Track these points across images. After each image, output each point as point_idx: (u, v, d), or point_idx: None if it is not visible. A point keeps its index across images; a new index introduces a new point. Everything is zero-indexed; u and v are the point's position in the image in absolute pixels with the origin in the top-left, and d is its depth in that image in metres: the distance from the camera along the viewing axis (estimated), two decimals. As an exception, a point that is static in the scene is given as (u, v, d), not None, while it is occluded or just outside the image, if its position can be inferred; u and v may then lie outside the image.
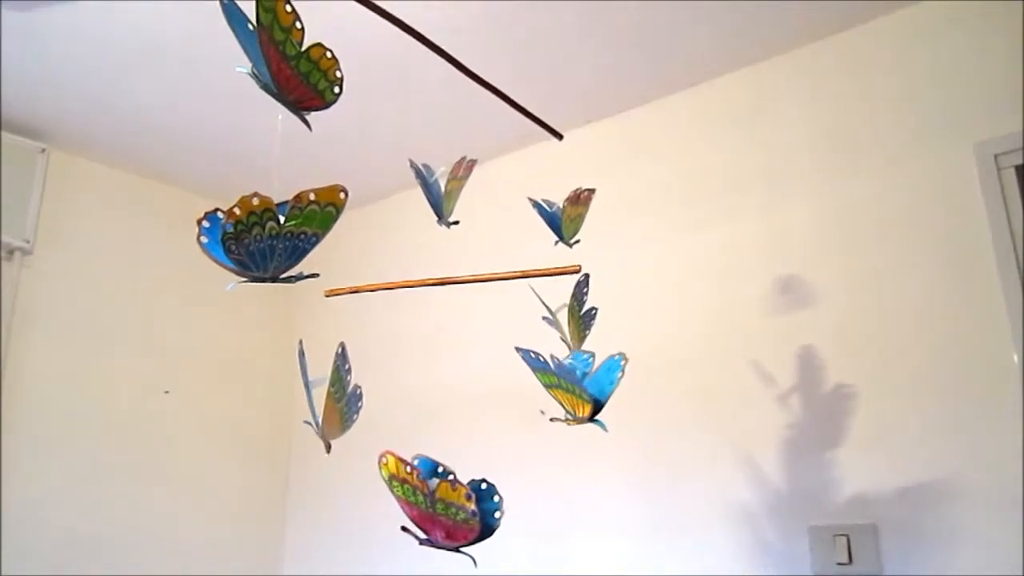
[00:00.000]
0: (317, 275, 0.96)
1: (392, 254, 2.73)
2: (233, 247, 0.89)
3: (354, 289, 1.24)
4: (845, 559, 1.69)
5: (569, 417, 1.23)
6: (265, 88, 0.95)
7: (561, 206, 1.45)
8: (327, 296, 1.24)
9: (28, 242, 2.27)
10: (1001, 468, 1.57)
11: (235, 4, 0.91)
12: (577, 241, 1.48)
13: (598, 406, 1.23)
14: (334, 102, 1.00)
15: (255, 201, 0.89)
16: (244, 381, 2.74)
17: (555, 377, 1.21)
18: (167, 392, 2.54)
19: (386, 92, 2.19)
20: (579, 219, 1.48)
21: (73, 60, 2.03)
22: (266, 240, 0.91)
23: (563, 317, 1.43)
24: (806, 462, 1.80)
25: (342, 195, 0.97)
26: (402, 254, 2.69)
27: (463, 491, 1.00)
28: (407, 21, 1.85)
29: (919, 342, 1.71)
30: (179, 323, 2.60)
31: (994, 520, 1.55)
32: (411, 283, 1.28)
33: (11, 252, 2.26)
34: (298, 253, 0.95)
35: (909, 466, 1.67)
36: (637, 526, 2.01)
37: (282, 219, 0.93)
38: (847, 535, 1.70)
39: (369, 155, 2.54)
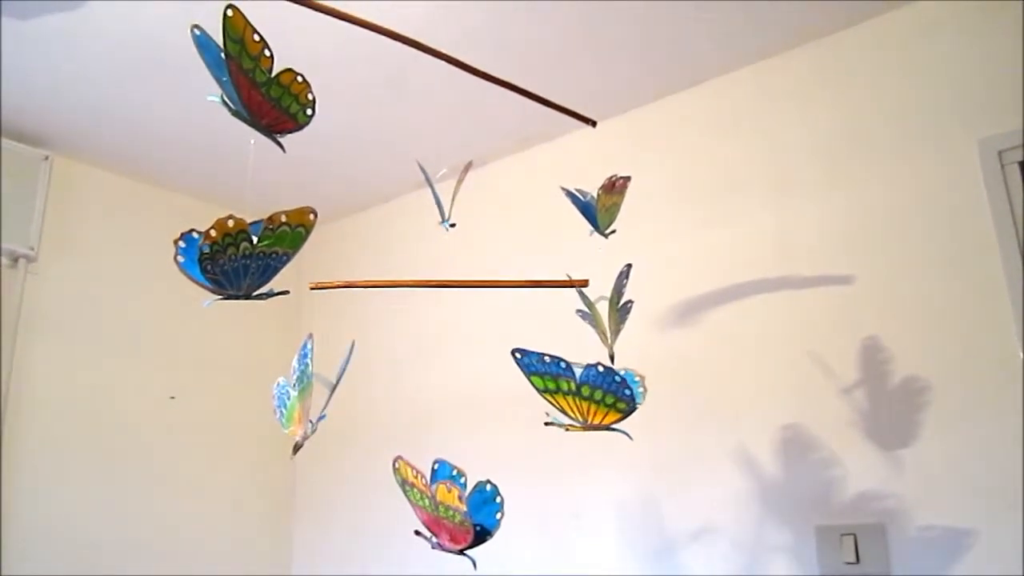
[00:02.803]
0: (287, 292, 1.01)
1: (397, 255, 2.73)
2: (209, 267, 0.93)
3: (342, 284, 1.25)
4: (852, 559, 1.68)
5: (575, 423, 1.22)
6: (236, 115, 0.98)
7: (595, 195, 1.41)
8: (312, 289, 1.24)
9: (32, 249, 2.27)
10: (1008, 466, 1.56)
11: (207, 35, 0.93)
12: (613, 231, 1.46)
13: (626, 414, 1.22)
14: (307, 123, 1.05)
15: (230, 223, 0.93)
16: (249, 385, 2.74)
17: (568, 382, 1.20)
18: (173, 398, 2.54)
19: (389, 93, 2.19)
20: (615, 208, 1.45)
21: (76, 67, 2.03)
22: (240, 260, 0.95)
23: (601, 311, 1.39)
24: (812, 462, 1.79)
25: (311, 216, 1.01)
26: (408, 256, 2.69)
27: (456, 493, 1.01)
28: (412, 24, 1.86)
29: (924, 340, 1.70)
30: (184, 328, 2.60)
31: (1002, 519, 1.55)
32: (399, 283, 1.28)
33: (15, 259, 2.26)
34: (269, 271, 0.99)
35: (916, 465, 1.66)
36: (643, 525, 2.00)
37: (255, 239, 0.95)
38: (854, 535, 1.69)
39: (373, 158, 2.54)
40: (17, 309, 2.25)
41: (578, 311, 1.39)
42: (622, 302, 1.41)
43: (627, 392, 1.19)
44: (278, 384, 1.21)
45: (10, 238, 2.22)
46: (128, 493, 2.40)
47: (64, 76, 2.07)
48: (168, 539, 2.45)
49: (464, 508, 1.02)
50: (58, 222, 2.37)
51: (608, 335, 1.37)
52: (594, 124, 1.54)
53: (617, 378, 1.19)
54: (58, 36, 1.91)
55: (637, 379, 1.22)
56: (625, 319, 1.41)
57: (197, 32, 0.93)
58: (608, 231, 1.45)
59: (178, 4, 1.80)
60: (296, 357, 1.16)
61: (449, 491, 1.02)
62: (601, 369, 1.18)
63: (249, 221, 0.97)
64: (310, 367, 1.12)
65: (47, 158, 2.33)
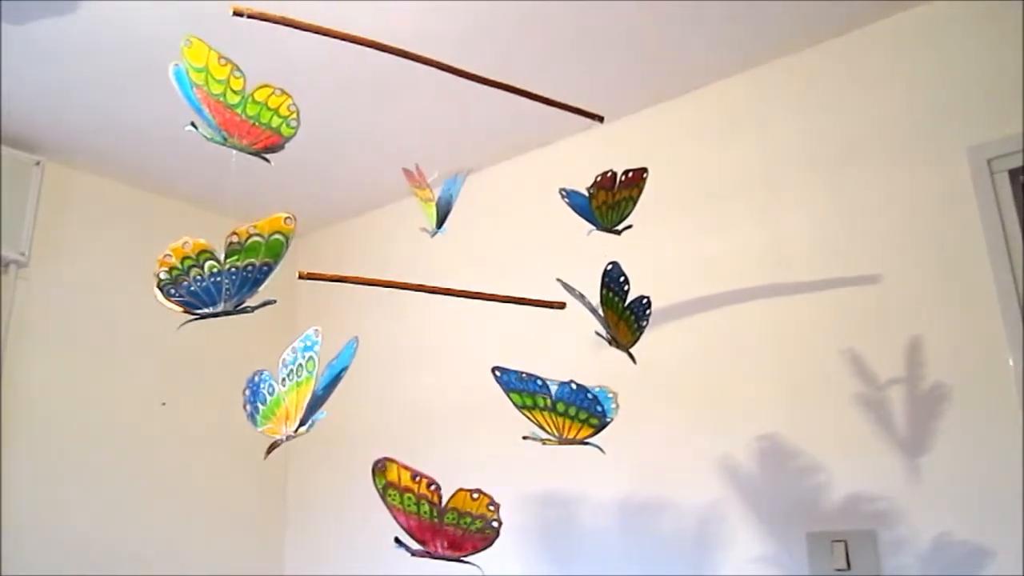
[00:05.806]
0: (274, 301, 0.97)
1: (393, 261, 2.72)
2: (172, 291, 0.92)
3: (333, 277, 1.24)
4: (843, 565, 1.68)
5: (551, 438, 1.25)
6: (211, 139, 0.98)
7: (591, 192, 1.39)
8: (300, 278, 1.23)
9: (24, 255, 2.26)
10: (1000, 471, 1.56)
11: (184, 71, 0.93)
12: (629, 226, 1.45)
13: (599, 429, 1.24)
14: (293, 136, 1.03)
15: (187, 247, 0.91)
16: (242, 390, 2.73)
17: (544, 399, 1.23)
18: (164, 404, 2.53)
19: (385, 98, 2.19)
20: (627, 202, 1.43)
21: (68, 73, 2.03)
22: (208, 278, 0.93)
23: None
24: (803, 468, 1.79)
25: (288, 222, 0.98)
26: (404, 262, 2.68)
27: (486, 500, 1.00)
28: (406, 28, 1.86)
29: (914, 346, 1.71)
30: (176, 333, 2.58)
31: (993, 524, 1.55)
32: (389, 283, 1.28)
33: (7, 265, 2.25)
34: (250, 284, 0.97)
35: (906, 471, 1.66)
36: (633, 532, 2.00)
37: (222, 256, 0.94)
38: (845, 541, 1.69)
39: (369, 163, 2.53)
40: (8, 314, 2.24)
41: (593, 311, 1.39)
42: (631, 300, 1.40)
43: (599, 408, 1.24)
44: (253, 380, 1.12)
45: (1, 243, 2.21)
46: (121, 497, 2.39)
47: (56, 82, 2.07)
48: (162, 541, 2.44)
49: (496, 516, 1.01)
50: (49, 227, 2.36)
51: (616, 336, 1.36)
52: (601, 120, 1.53)
53: (590, 395, 1.23)
54: (50, 42, 1.91)
55: (610, 396, 1.25)
56: (645, 315, 1.40)
57: (173, 68, 0.94)
58: (623, 227, 1.44)
59: (170, 11, 1.80)
60: (291, 348, 1.12)
61: (475, 499, 1.01)
62: (574, 387, 1.23)
63: (234, 228, 0.96)
64: (314, 361, 1.07)
65: (39, 163, 2.32)
